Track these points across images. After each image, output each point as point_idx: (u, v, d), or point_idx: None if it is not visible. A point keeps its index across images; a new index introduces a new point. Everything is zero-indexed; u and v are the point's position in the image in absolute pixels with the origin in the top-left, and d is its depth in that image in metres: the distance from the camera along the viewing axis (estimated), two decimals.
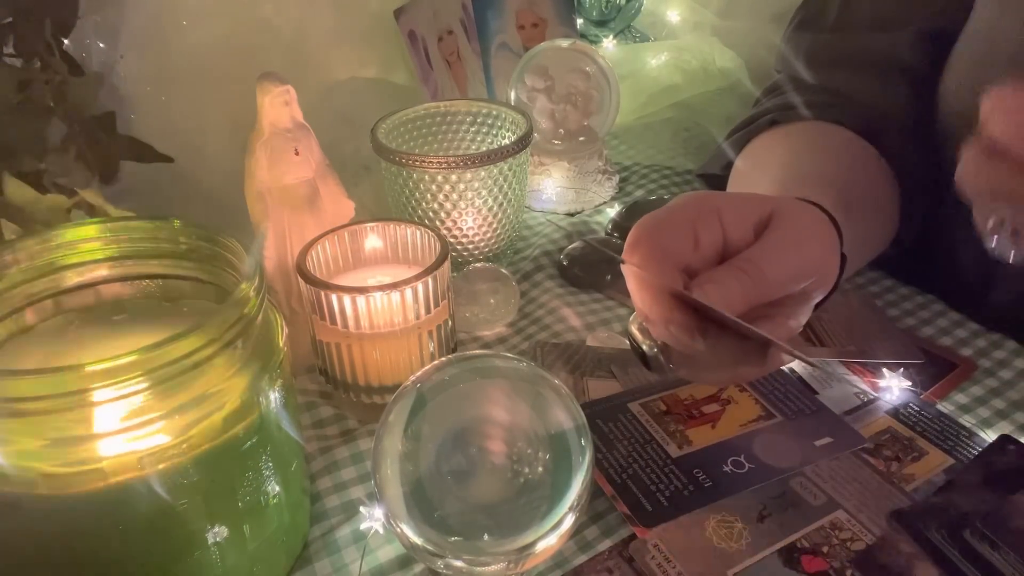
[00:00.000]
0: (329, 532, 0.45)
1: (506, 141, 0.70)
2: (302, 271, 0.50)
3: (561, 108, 0.78)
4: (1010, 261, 0.42)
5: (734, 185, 0.63)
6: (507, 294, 0.62)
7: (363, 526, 0.44)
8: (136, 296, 0.44)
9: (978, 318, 0.60)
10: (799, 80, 0.66)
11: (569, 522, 0.38)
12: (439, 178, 0.63)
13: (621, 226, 0.72)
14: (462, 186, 0.64)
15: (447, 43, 0.86)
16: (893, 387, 0.53)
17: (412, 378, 0.40)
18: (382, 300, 0.49)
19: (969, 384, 0.54)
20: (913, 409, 0.51)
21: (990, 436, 0.49)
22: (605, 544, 0.43)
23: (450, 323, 0.53)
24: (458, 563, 0.38)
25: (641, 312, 0.41)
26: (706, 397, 0.52)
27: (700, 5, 1.02)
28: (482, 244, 0.67)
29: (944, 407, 0.52)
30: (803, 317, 0.42)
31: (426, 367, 0.41)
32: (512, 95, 0.78)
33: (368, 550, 0.44)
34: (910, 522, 0.42)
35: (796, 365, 0.55)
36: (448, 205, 0.64)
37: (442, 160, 0.62)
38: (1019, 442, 0.48)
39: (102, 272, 0.43)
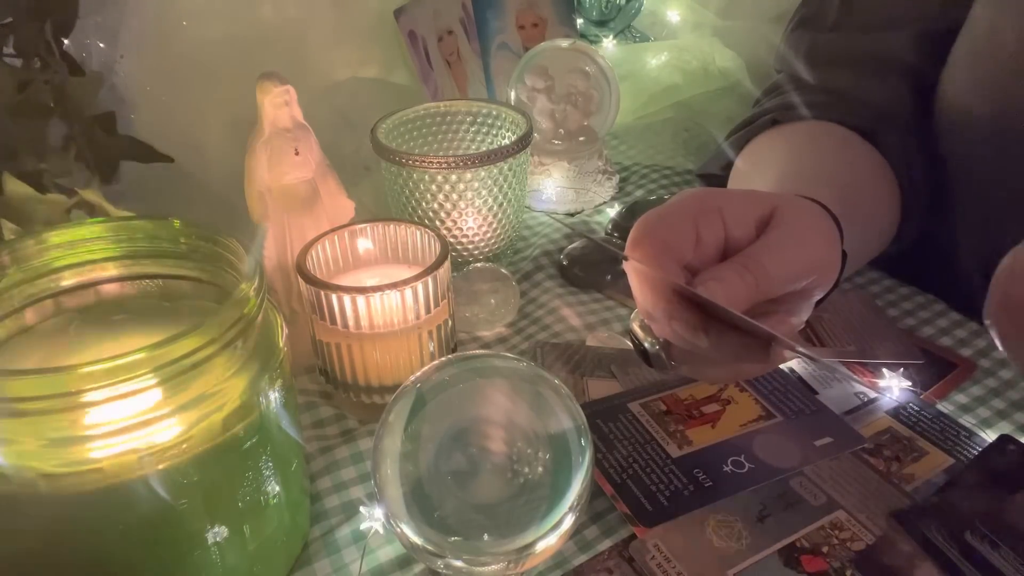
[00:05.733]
0: (329, 532, 0.45)
1: (506, 141, 0.70)
2: (302, 271, 0.50)
3: (561, 108, 0.78)
4: None
5: (734, 185, 0.63)
6: (507, 294, 0.62)
7: (363, 526, 0.44)
8: (136, 296, 0.44)
9: (978, 318, 0.60)
10: (799, 80, 0.66)
11: (569, 522, 0.38)
12: (439, 178, 0.63)
13: (621, 226, 0.72)
14: (462, 186, 0.64)
15: (447, 43, 0.86)
16: (893, 387, 0.53)
17: (412, 378, 0.40)
18: (382, 300, 0.49)
19: (969, 384, 0.54)
20: (913, 409, 0.51)
21: (990, 436, 0.49)
22: (605, 544, 0.43)
23: (450, 323, 0.53)
24: (458, 563, 0.38)
25: (643, 309, 0.41)
26: (706, 397, 0.52)
27: (700, 5, 1.02)
28: (482, 244, 0.67)
29: (944, 407, 0.52)
30: (804, 314, 0.42)
31: (426, 367, 0.41)
32: (512, 95, 0.78)
33: (368, 550, 0.44)
34: (910, 522, 0.42)
35: (796, 365, 0.55)
36: (448, 205, 0.64)
37: (442, 160, 0.62)
38: (1019, 442, 0.48)
39: (102, 272, 0.43)
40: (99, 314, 0.43)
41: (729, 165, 0.66)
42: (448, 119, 0.72)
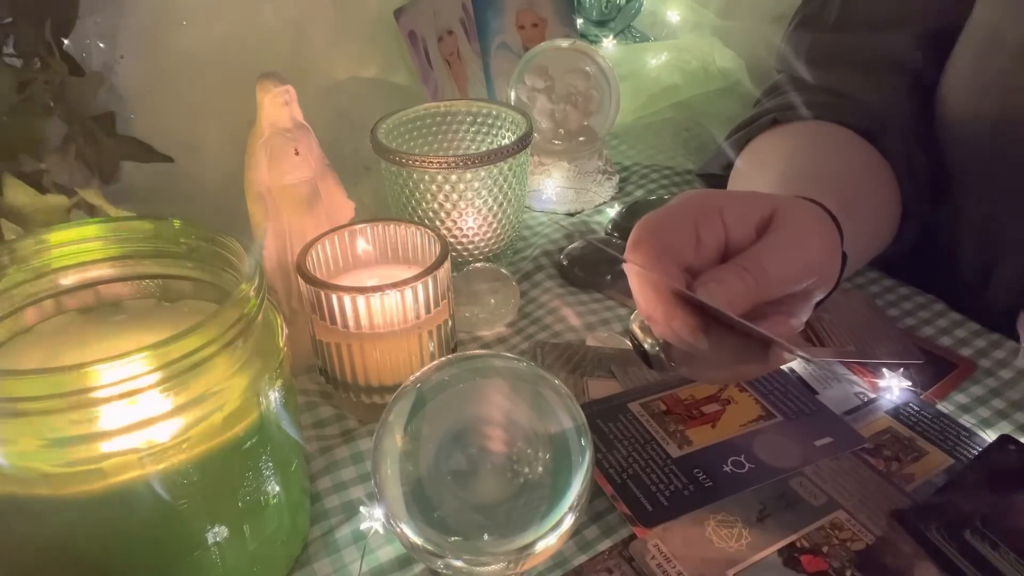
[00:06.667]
0: (329, 532, 0.45)
1: (506, 141, 0.70)
2: (302, 271, 0.50)
3: (561, 108, 0.78)
4: None
5: (734, 185, 0.63)
6: (507, 294, 0.62)
7: (363, 526, 0.44)
8: (136, 296, 0.44)
9: (978, 318, 0.60)
10: (800, 80, 0.66)
11: (569, 522, 0.38)
12: (439, 178, 0.63)
13: (621, 226, 0.72)
14: (462, 186, 0.64)
15: (447, 43, 0.86)
16: (893, 387, 0.53)
17: (412, 378, 0.40)
18: (382, 300, 0.49)
19: (969, 384, 0.54)
20: (913, 409, 0.51)
21: (990, 436, 0.49)
22: (605, 544, 0.43)
23: (450, 323, 0.53)
24: (458, 563, 0.38)
25: (643, 311, 0.41)
26: (706, 397, 0.52)
27: (700, 5, 1.02)
28: (482, 244, 0.67)
29: (944, 407, 0.52)
30: (804, 315, 0.42)
31: (426, 367, 0.41)
32: (512, 95, 0.78)
33: (368, 550, 0.44)
34: (910, 522, 0.42)
35: (796, 365, 0.55)
36: (448, 205, 0.64)
37: (442, 160, 0.62)
38: (1019, 442, 0.48)
39: (102, 272, 0.43)
40: (99, 314, 0.43)
41: (729, 165, 0.66)
42: (448, 119, 0.72)
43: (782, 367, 0.53)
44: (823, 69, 0.65)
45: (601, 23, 1.03)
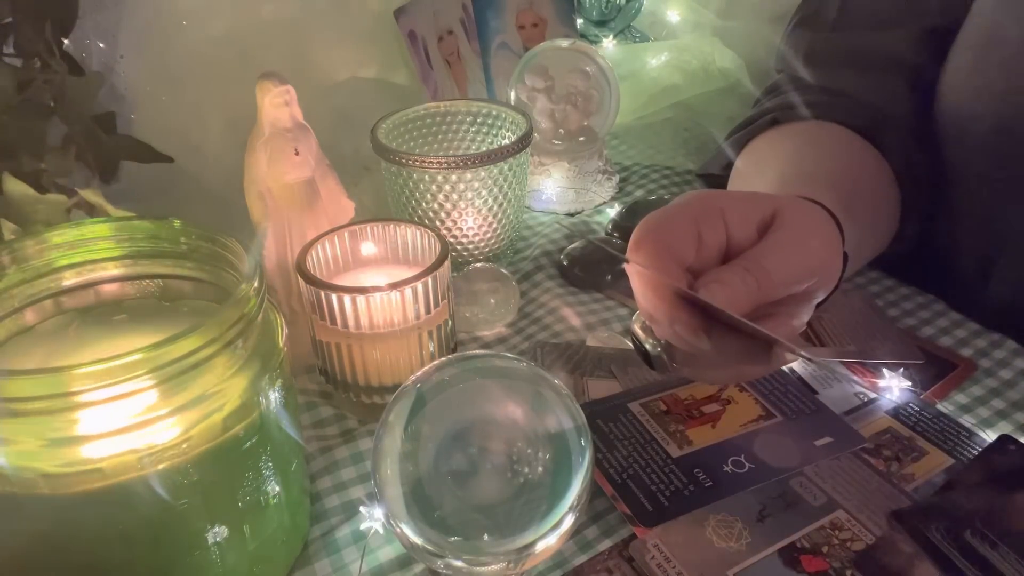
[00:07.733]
0: (329, 532, 0.45)
1: (506, 141, 0.70)
2: (302, 271, 0.50)
3: (561, 108, 0.78)
4: None
5: (734, 185, 0.63)
6: (507, 294, 0.62)
7: (363, 526, 0.44)
8: (136, 296, 0.44)
9: (978, 318, 0.60)
10: (799, 80, 0.66)
11: (569, 522, 0.38)
12: (439, 178, 0.63)
13: (621, 226, 0.72)
14: (462, 186, 0.64)
15: (447, 43, 0.86)
16: (893, 387, 0.53)
17: (412, 378, 0.40)
18: (382, 300, 0.49)
19: (969, 384, 0.54)
20: (913, 409, 0.51)
21: (990, 436, 0.49)
22: (605, 544, 0.43)
23: (450, 323, 0.53)
24: (458, 563, 0.38)
25: (645, 311, 0.41)
26: (706, 397, 0.52)
27: (700, 5, 1.02)
28: (482, 244, 0.67)
29: (944, 407, 0.52)
30: (805, 316, 0.42)
31: (426, 367, 0.41)
32: (512, 95, 0.78)
33: (368, 550, 0.44)
34: (910, 522, 0.42)
35: (796, 365, 0.55)
36: (448, 205, 0.64)
37: (442, 160, 0.62)
38: (1019, 442, 0.48)
39: (102, 272, 0.43)
40: (99, 314, 0.43)
41: (729, 165, 0.66)
42: (448, 119, 0.72)
43: (782, 367, 0.53)
44: (822, 69, 0.65)
45: (601, 23, 1.03)
